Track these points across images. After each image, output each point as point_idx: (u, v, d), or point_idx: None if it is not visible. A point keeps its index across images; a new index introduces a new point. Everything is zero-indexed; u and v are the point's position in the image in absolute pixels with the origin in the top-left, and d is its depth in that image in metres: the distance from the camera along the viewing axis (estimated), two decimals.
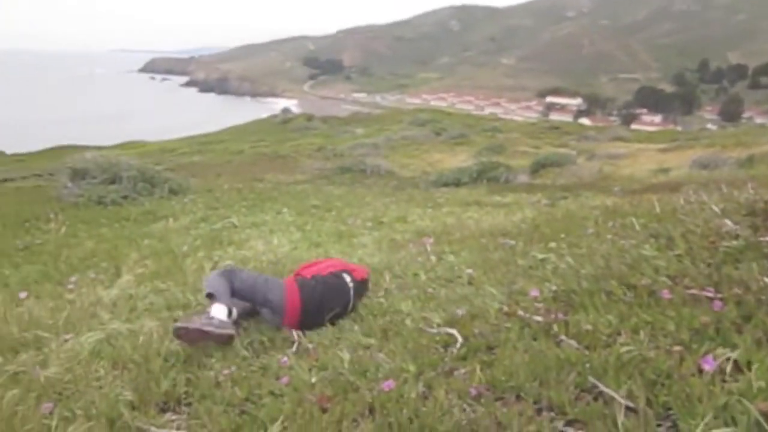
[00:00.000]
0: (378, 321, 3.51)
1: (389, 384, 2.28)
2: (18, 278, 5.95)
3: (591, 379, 1.89)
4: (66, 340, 3.51)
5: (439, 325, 3.03)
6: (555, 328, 2.42)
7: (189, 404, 2.77)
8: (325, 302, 3.61)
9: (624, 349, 1.97)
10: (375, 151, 23.83)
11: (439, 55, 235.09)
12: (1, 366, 3.21)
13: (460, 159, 22.42)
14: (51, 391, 2.91)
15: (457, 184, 14.92)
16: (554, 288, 3.06)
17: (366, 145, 25.95)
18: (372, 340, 3.21)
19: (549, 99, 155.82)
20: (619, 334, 2.26)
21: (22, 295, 4.67)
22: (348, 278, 3.80)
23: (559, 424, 1.83)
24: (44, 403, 2.73)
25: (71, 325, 3.89)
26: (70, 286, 4.95)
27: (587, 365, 2.02)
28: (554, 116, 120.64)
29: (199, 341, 3.24)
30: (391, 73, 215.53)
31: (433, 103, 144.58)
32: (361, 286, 3.92)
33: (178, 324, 3.29)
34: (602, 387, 1.82)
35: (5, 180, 19.38)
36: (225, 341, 3.28)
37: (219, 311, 3.37)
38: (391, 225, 7.52)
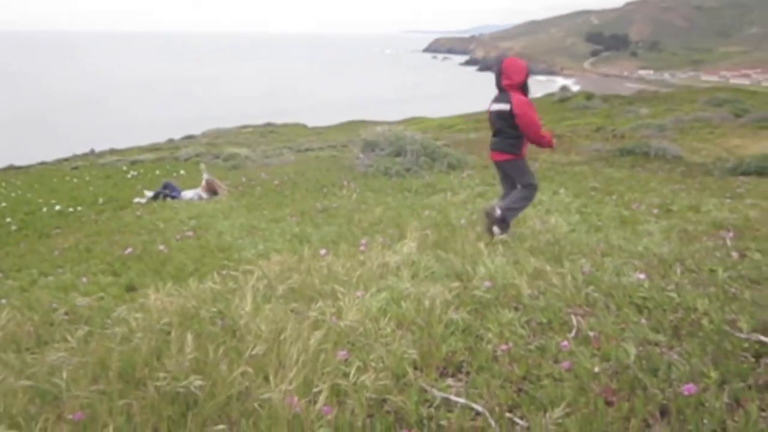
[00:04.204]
0: (668, 316, 3.22)
1: (689, 388, 2.06)
2: (319, 236, 6.71)
3: None
4: (357, 296, 3.83)
5: (746, 331, 2.67)
6: None
7: (467, 373, 2.84)
8: None
9: None
10: (660, 133, 21.92)
11: (747, 25, 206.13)
12: (305, 311, 3.65)
13: (765, 145, 19.54)
14: (345, 340, 3.20)
15: (761, 173, 13.09)
16: None
17: (651, 126, 23.97)
18: (661, 337, 2.97)
19: None
20: None
21: (323, 252, 5.24)
22: None
23: None
24: (340, 350, 3.03)
25: (362, 283, 4.24)
26: (361, 248, 5.41)
27: None
28: None
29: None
30: (685, 48, 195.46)
31: (733, 80, 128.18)
32: None
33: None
34: None
35: (307, 150, 22.00)
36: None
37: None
38: (682, 214, 6.85)
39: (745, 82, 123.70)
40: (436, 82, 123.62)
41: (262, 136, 30.73)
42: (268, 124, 38.43)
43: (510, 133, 5.50)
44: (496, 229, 5.48)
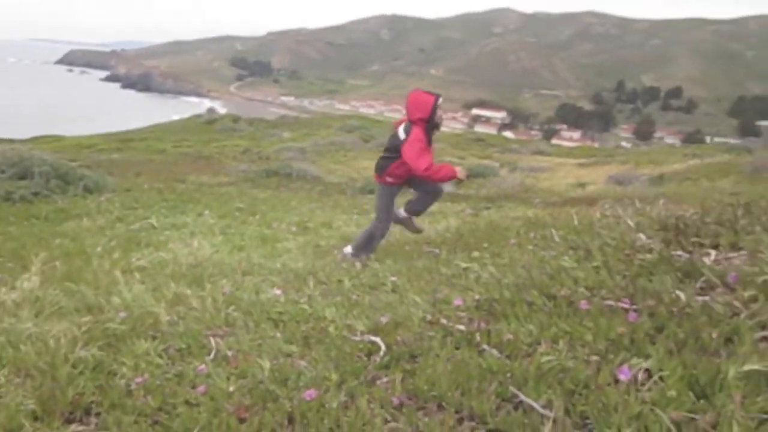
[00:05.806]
0: (300, 327, 3.44)
1: (311, 393, 2.22)
2: None
3: (512, 388, 1.90)
4: None
5: (362, 333, 3.00)
6: (477, 337, 2.43)
7: (98, 414, 2.62)
8: None
9: (544, 359, 2.00)
10: (302, 156, 23.67)
11: (369, 62, 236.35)
12: None
13: None
14: None
15: None
16: (477, 297, 3.09)
17: (293, 149, 25.73)
18: (294, 347, 3.14)
19: (475, 111, 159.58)
20: (539, 343, 2.29)
21: None
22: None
23: None
24: None
25: None
26: None
27: (508, 375, 2.03)
28: (479, 128, 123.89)
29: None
30: (321, 78, 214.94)
31: (362, 110, 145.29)
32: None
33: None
34: (522, 397, 1.83)
35: None
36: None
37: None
38: (317, 230, 7.45)
39: (371, 111, 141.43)
40: (73, 97, 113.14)
41: None
42: None
43: (386, 155, 5.46)
44: (348, 249, 5.69)
